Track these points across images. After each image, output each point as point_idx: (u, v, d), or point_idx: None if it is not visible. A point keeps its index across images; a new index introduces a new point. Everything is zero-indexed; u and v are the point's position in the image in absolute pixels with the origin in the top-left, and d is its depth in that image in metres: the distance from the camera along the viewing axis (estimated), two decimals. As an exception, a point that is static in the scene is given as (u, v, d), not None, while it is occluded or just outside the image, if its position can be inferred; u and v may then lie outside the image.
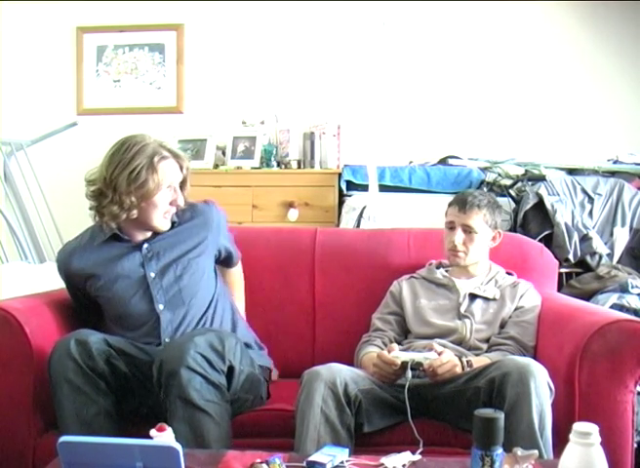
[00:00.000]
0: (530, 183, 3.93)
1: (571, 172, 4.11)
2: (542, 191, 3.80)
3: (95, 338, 2.30)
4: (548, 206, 3.71)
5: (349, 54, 5.08)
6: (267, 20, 5.14)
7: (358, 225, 3.97)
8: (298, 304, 2.94)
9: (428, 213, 3.81)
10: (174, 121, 5.12)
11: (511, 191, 3.96)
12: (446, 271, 2.84)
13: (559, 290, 3.13)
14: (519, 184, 3.96)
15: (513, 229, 3.76)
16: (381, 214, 3.92)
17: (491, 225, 2.75)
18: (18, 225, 4.72)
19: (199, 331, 2.36)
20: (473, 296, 2.71)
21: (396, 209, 4.00)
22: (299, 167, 4.74)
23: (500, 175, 4.06)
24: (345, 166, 4.45)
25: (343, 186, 4.36)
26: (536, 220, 3.74)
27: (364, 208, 3.99)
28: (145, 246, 2.57)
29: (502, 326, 2.65)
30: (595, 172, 4.09)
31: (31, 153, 4.99)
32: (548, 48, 5.01)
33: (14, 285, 2.83)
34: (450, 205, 2.80)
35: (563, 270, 3.60)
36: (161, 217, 2.53)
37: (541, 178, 3.92)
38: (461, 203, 2.73)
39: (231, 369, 2.31)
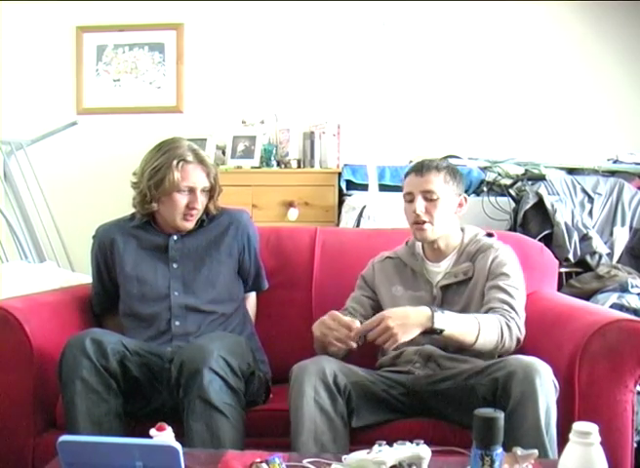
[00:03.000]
0: (530, 183, 3.93)
1: (571, 171, 4.11)
2: (542, 191, 3.80)
3: (110, 338, 2.32)
4: (548, 205, 3.71)
5: (349, 53, 5.08)
6: (267, 20, 5.14)
7: (358, 225, 3.97)
8: (297, 304, 2.94)
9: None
10: (174, 120, 5.13)
11: (511, 191, 3.96)
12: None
13: (559, 289, 3.13)
14: (519, 184, 3.96)
15: (513, 229, 3.76)
16: (381, 214, 3.92)
17: (453, 189, 2.56)
18: (17, 225, 4.72)
19: (221, 335, 2.44)
20: (446, 287, 2.56)
21: (396, 208, 3.99)
22: (298, 166, 4.74)
23: (499, 174, 4.06)
24: (345, 165, 4.46)
25: (343, 186, 4.37)
26: (535, 220, 3.74)
27: (364, 207, 3.99)
28: (174, 237, 2.73)
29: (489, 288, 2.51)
30: (595, 171, 4.09)
31: (31, 153, 4.99)
32: (548, 47, 5.02)
33: (14, 284, 2.83)
34: (406, 175, 2.63)
35: (563, 270, 3.59)
36: (180, 217, 2.68)
37: (541, 178, 3.93)
38: (418, 167, 2.56)
39: (252, 373, 2.40)
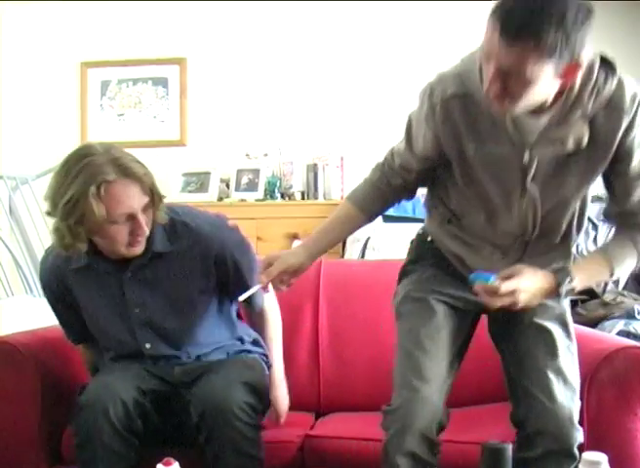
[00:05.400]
0: (533, 211, 3.93)
1: (575, 199, 4.11)
2: (546, 219, 3.80)
3: (129, 393, 2.08)
4: (553, 234, 3.71)
5: (352, 86, 5.12)
6: (270, 54, 5.19)
7: (363, 256, 3.98)
8: (302, 337, 2.92)
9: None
10: (178, 154, 5.16)
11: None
12: None
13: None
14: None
15: (518, 258, 3.75)
16: (386, 245, 3.93)
17: (554, 66, 1.57)
18: (23, 259, 4.72)
19: (239, 369, 2.18)
20: (545, 142, 1.76)
21: (401, 239, 4.00)
22: (302, 198, 4.76)
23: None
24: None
25: (347, 217, 4.38)
26: (540, 248, 3.74)
27: (368, 238, 4.00)
28: (129, 274, 2.20)
29: (609, 172, 1.82)
30: (599, 198, 4.07)
31: (36, 187, 5.01)
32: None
33: (19, 319, 2.83)
34: (491, 14, 1.58)
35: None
36: (125, 247, 2.10)
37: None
38: (509, 26, 1.54)
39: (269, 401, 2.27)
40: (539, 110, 1.72)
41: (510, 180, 1.82)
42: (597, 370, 2.16)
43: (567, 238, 1.93)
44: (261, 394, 2.18)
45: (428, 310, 1.95)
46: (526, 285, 1.76)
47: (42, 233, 4.88)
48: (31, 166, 5.12)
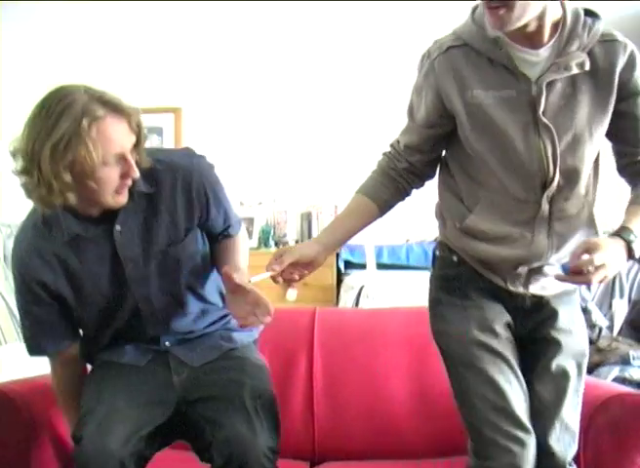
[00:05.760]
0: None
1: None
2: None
3: (127, 449, 1.91)
4: (546, 280, 3.72)
5: (345, 136, 5.16)
6: (264, 103, 5.24)
7: (357, 304, 3.98)
8: (296, 383, 2.90)
9: (427, 290, 3.80)
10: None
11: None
12: None
13: (560, 365, 3.11)
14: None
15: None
16: (380, 293, 3.93)
17: None
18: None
19: (258, 404, 2.01)
20: (552, 84, 1.78)
21: (395, 287, 4.01)
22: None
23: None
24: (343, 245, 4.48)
25: (342, 265, 4.39)
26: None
27: (362, 287, 4.01)
28: (117, 228, 1.98)
29: (618, 115, 1.85)
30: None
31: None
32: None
33: (13, 367, 2.82)
34: None
35: (563, 345, 3.58)
36: (111, 195, 1.89)
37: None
38: None
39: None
40: (537, 45, 1.78)
41: (523, 117, 1.80)
42: (594, 418, 2.16)
43: (587, 207, 1.90)
44: (279, 427, 2.07)
45: (495, 353, 1.88)
46: (607, 255, 1.72)
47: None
48: (26, 213, 5.12)
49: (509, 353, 1.90)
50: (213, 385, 2.06)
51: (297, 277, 1.99)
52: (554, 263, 1.91)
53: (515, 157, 1.82)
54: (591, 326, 3.69)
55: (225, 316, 2.25)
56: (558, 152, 1.80)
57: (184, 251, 2.07)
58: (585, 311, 3.70)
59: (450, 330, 1.94)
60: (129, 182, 1.90)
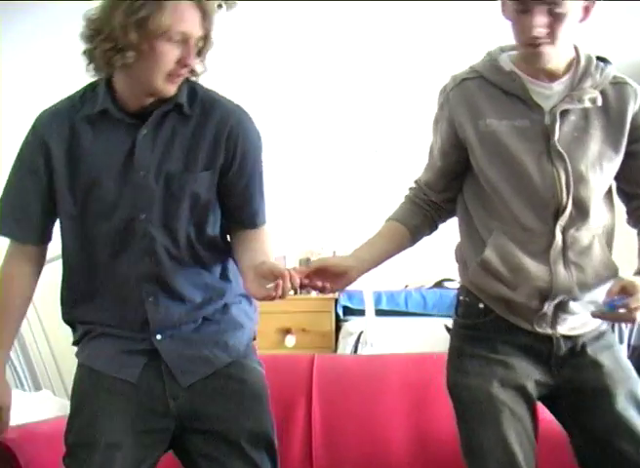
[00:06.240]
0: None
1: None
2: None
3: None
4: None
5: (343, 180, 5.18)
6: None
7: (355, 350, 3.97)
8: (295, 431, 2.89)
9: (426, 336, 3.81)
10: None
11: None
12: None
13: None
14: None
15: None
16: (379, 339, 3.93)
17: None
18: (14, 352, 4.68)
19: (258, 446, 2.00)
20: (566, 114, 1.84)
21: (394, 333, 4.01)
22: (295, 292, 4.74)
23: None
24: (342, 291, 4.48)
25: (340, 311, 4.38)
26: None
27: (361, 333, 4.00)
28: (144, 131, 1.91)
29: (630, 155, 1.90)
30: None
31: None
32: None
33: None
34: None
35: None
36: (164, 77, 1.86)
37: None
38: None
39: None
40: (552, 79, 1.85)
41: (537, 146, 1.83)
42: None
43: (599, 239, 1.89)
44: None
45: (512, 412, 1.86)
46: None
47: (34, 326, 4.86)
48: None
49: (527, 413, 1.88)
50: (211, 416, 1.97)
51: (319, 284, 1.90)
52: (579, 298, 1.88)
53: (530, 184, 1.84)
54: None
55: (226, 305, 2.10)
56: (572, 180, 1.82)
57: (194, 185, 1.94)
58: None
59: (469, 383, 1.90)
60: (183, 72, 1.87)
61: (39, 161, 1.95)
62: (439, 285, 4.45)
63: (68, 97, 1.99)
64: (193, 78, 1.96)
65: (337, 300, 4.47)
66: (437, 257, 4.95)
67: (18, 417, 2.72)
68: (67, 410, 2.86)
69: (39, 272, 2.14)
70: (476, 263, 1.91)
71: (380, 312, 4.18)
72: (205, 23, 1.86)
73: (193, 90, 1.96)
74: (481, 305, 1.93)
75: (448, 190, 2.02)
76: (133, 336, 1.99)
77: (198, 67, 1.93)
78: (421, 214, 2.03)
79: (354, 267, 1.96)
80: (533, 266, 1.85)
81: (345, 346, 4.07)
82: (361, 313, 4.23)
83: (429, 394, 2.81)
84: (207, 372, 1.99)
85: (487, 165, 1.88)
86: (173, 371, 1.96)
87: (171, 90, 1.88)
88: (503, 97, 1.87)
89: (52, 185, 1.96)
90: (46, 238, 2.08)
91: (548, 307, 1.86)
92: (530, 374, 1.89)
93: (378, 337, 3.94)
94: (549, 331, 1.89)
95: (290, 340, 4.41)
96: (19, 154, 1.99)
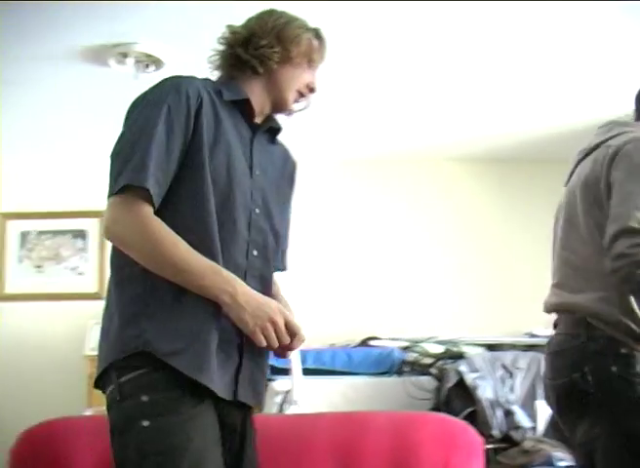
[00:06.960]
0: (450, 361, 4.00)
1: (490, 347, 4.20)
2: (463, 368, 3.86)
3: None
4: (469, 382, 3.76)
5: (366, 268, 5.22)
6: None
7: (281, 410, 3.94)
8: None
9: (352, 394, 3.81)
10: (95, 307, 5.10)
11: (432, 370, 4.01)
12: None
13: (487, 467, 3.12)
14: (440, 363, 4.02)
15: (437, 407, 3.77)
16: (306, 399, 3.91)
17: None
18: None
19: None
20: None
21: (320, 392, 3.99)
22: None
23: (420, 354, 4.13)
24: (267, 351, 4.46)
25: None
26: (459, 398, 3.78)
27: (287, 392, 3.98)
28: (255, 134, 2.01)
29: None
30: (513, 346, 4.19)
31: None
32: (461, 223, 5.25)
33: None
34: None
35: (489, 446, 3.59)
36: (292, 94, 2.04)
37: (461, 356, 4.00)
38: None
39: None
40: None
41: None
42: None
43: None
44: None
45: None
46: None
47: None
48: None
49: None
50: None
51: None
52: None
53: None
54: (516, 427, 3.72)
55: None
56: None
57: (281, 214, 2.06)
58: (509, 413, 3.74)
59: None
60: (307, 95, 2.07)
61: (189, 122, 1.82)
62: (364, 343, 4.45)
63: (203, 79, 1.98)
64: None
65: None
66: (362, 315, 5.01)
67: None
68: None
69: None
70: None
71: (306, 371, 4.16)
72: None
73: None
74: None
75: None
76: None
77: (315, 88, 2.10)
78: None
79: None
80: None
81: (271, 406, 4.03)
82: (286, 372, 4.21)
83: (355, 453, 2.79)
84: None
85: None
86: (243, 401, 2.03)
87: (292, 106, 2.06)
88: None
89: (193, 147, 1.83)
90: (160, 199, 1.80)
91: None
92: None
93: (304, 397, 3.92)
94: None
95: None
96: (168, 111, 1.79)
